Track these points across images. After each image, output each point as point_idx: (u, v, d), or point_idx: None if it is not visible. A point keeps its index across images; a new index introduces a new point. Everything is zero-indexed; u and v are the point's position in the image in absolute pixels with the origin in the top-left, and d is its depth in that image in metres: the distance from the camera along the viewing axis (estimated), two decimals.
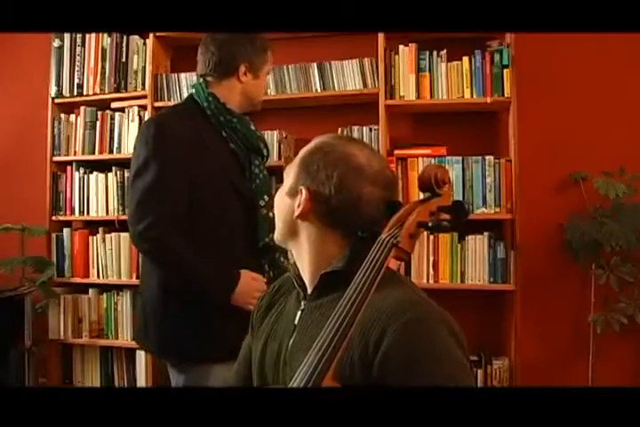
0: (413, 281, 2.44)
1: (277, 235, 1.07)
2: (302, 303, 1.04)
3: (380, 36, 2.54)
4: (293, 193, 1.02)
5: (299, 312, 1.03)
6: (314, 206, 0.99)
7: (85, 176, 2.89)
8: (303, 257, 1.03)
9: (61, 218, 2.91)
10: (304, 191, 0.99)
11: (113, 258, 2.82)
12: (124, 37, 2.85)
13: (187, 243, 1.64)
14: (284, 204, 1.04)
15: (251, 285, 1.67)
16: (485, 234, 2.47)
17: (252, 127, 1.86)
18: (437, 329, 0.88)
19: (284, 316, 1.08)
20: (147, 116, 2.79)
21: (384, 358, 0.85)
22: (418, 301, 0.93)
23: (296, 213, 1.00)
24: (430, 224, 0.97)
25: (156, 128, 1.69)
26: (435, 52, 2.54)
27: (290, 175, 1.04)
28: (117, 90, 2.85)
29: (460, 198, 2.45)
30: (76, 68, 2.90)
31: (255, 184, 1.78)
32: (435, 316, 0.91)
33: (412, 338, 0.86)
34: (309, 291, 1.03)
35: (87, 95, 2.89)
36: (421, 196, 1.05)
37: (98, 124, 2.88)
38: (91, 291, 2.88)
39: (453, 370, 0.86)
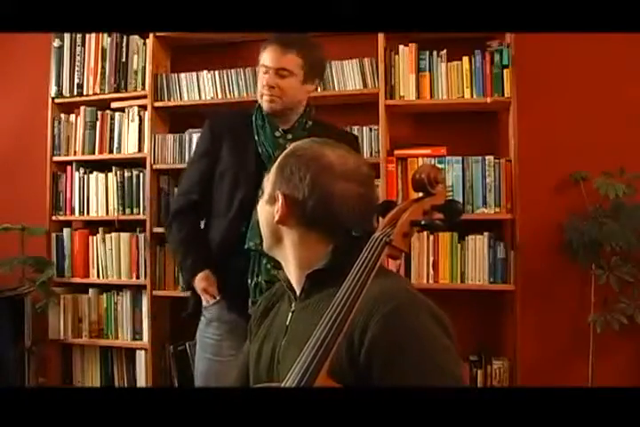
0: (413, 281, 2.47)
1: (264, 244, 1.09)
2: (292, 305, 1.05)
3: (380, 36, 2.54)
4: (272, 200, 1.03)
5: (289, 314, 1.05)
6: (291, 210, 1.00)
7: (85, 176, 2.89)
8: (289, 262, 1.05)
9: (61, 218, 2.92)
10: (280, 197, 1.01)
11: (113, 258, 2.82)
12: (124, 37, 2.85)
13: (195, 221, 1.96)
14: (265, 212, 1.06)
15: (200, 284, 1.89)
16: (485, 234, 2.47)
17: (278, 133, 1.89)
18: (420, 316, 0.89)
19: (278, 318, 1.10)
20: (147, 116, 2.79)
21: (369, 347, 0.86)
22: (399, 290, 0.94)
23: (275, 219, 1.02)
24: (423, 223, 0.98)
25: (205, 124, 2.01)
26: (435, 52, 2.54)
27: (269, 182, 1.06)
28: (117, 90, 2.85)
29: (461, 198, 2.46)
30: (76, 68, 2.90)
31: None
32: (417, 303, 0.92)
33: (395, 327, 0.87)
34: (298, 292, 1.04)
35: (87, 95, 2.89)
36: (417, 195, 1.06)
37: (98, 124, 2.88)
38: (91, 291, 2.88)
39: (438, 355, 0.87)
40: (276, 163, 1.05)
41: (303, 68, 1.87)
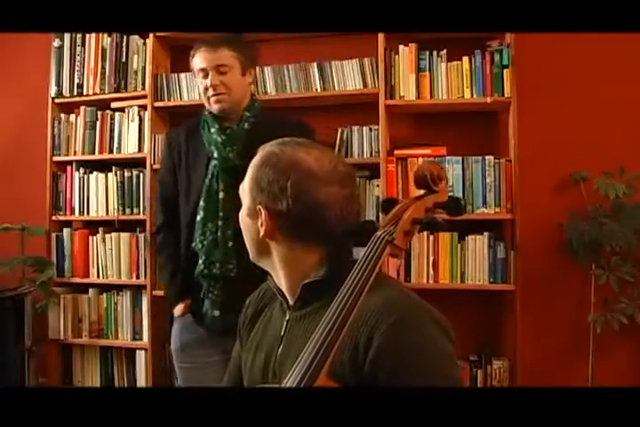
0: (413, 281, 2.47)
1: (250, 255, 1.05)
2: (287, 314, 1.03)
3: (380, 36, 2.54)
4: (253, 214, 1.00)
5: (284, 323, 1.02)
6: (276, 223, 0.97)
7: (85, 176, 2.89)
8: (278, 272, 1.02)
9: (61, 218, 2.91)
10: (263, 211, 0.97)
11: (113, 258, 2.82)
12: (124, 37, 2.85)
13: (175, 237, 1.98)
14: (248, 225, 1.02)
15: (176, 312, 2.00)
16: (485, 234, 2.47)
17: (213, 130, 1.91)
18: (425, 326, 0.89)
19: (270, 326, 1.07)
20: (147, 116, 2.79)
21: (374, 358, 0.86)
22: (403, 299, 0.93)
23: (261, 234, 0.98)
24: (425, 221, 0.97)
25: (165, 135, 2.14)
26: (435, 52, 2.54)
27: (245, 194, 1.02)
28: (117, 90, 2.85)
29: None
30: (76, 68, 2.90)
31: (204, 186, 1.90)
32: (421, 312, 0.91)
33: (401, 337, 0.86)
34: (291, 301, 1.02)
35: (87, 95, 2.89)
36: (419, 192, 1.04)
37: (98, 124, 2.88)
38: (91, 291, 2.88)
39: (443, 364, 0.87)
40: (250, 173, 1.01)
41: (239, 59, 1.91)
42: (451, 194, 1.09)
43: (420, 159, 2.51)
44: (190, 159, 1.95)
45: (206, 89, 1.89)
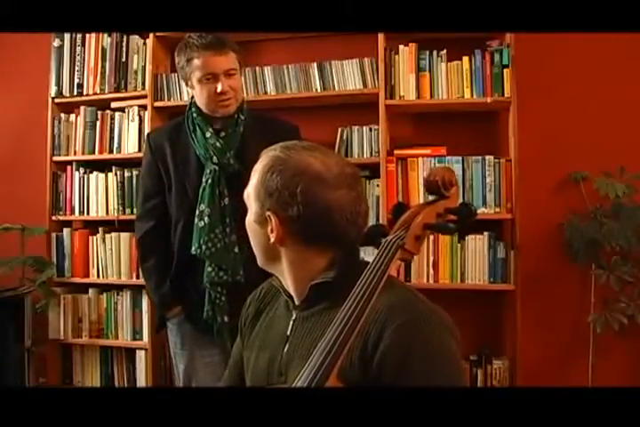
0: (413, 281, 2.47)
1: (259, 261, 1.05)
2: (293, 313, 1.03)
3: (380, 36, 2.54)
4: (262, 220, 0.99)
5: (290, 322, 1.02)
6: (287, 229, 0.96)
7: (85, 176, 2.89)
8: (286, 275, 1.02)
9: (61, 218, 2.91)
10: (273, 218, 0.96)
11: (113, 258, 2.82)
12: (124, 37, 2.85)
13: (159, 246, 1.94)
14: (256, 232, 1.01)
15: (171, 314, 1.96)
16: (485, 234, 2.47)
17: (208, 134, 1.86)
18: (432, 327, 0.89)
19: (274, 325, 1.07)
20: (147, 115, 2.79)
21: (382, 358, 0.86)
22: (412, 300, 0.94)
23: (272, 240, 0.98)
24: (437, 226, 0.97)
25: (146, 138, 2.02)
26: (435, 52, 2.54)
27: (251, 199, 1.01)
28: (117, 90, 2.85)
29: (460, 198, 2.45)
30: (76, 68, 2.90)
31: (202, 191, 1.85)
32: (428, 313, 0.92)
33: (408, 339, 0.87)
34: (297, 301, 1.02)
35: (87, 95, 2.89)
36: (429, 197, 1.05)
37: (98, 123, 2.88)
38: (91, 291, 2.88)
39: (449, 367, 0.88)
40: (257, 178, 0.99)
41: (240, 61, 1.89)
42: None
43: (420, 159, 2.52)
44: (179, 162, 1.89)
45: (216, 94, 1.82)
